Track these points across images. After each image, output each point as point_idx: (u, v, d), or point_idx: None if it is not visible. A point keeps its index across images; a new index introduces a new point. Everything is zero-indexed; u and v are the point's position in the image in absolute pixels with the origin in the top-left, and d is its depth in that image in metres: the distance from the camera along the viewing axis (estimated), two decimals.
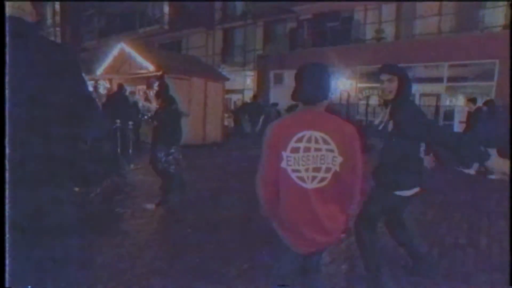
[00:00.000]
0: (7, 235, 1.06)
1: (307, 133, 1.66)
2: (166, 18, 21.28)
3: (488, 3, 12.70)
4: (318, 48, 15.20)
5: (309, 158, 1.66)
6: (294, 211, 1.70)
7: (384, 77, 2.57)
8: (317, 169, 1.67)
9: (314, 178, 1.67)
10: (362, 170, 1.74)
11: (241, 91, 18.83)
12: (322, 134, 1.67)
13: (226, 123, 14.43)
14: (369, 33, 14.91)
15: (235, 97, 19.21)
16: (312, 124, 1.68)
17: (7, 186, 1.06)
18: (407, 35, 14.16)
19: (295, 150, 1.65)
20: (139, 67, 10.02)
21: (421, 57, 12.77)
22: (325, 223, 1.69)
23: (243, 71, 19.08)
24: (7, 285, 1.08)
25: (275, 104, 13.63)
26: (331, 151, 1.67)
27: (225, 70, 17.30)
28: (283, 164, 1.65)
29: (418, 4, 13.73)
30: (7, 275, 1.07)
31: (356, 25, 15.31)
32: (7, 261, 1.07)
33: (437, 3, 13.15)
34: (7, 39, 1.08)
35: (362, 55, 13.57)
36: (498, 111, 8.04)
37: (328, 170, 1.68)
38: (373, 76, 14.51)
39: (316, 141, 1.67)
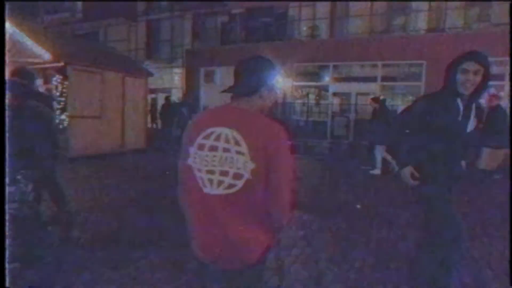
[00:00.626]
0: (7, 235, 1.12)
1: (218, 130, 1.45)
2: (79, 5, 18.53)
3: (412, 7, 13.03)
4: (252, 44, 14.28)
5: (215, 159, 1.43)
6: (195, 217, 1.51)
7: (471, 66, 2.19)
8: (224, 173, 1.42)
9: (220, 182, 1.42)
10: (289, 181, 1.45)
11: (168, 90, 17.05)
12: (236, 134, 1.42)
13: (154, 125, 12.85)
14: (304, 30, 14.44)
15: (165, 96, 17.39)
16: (226, 121, 1.46)
17: (7, 186, 1.12)
18: (341, 34, 13.94)
19: (201, 147, 1.46)
20: (31, 55, 7.86)
21: (355, 55, 12.59)
22: (231, 236, 1.43)
23: (171, 67, 17.36)
24: (7, 285, 1.13)
25: (188, 104, 12.42)
26: (242, 154, 1.40)
27: (150, 67, 15.43)
28: (189, 161, 1.49)
29: (351, 3, 13.59)
30: (7, 275, 1.12)
31: (290, 22, 14.73)
32: (7, 261, 1.12)
33: (369, 3, 13.11)
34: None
35: (298, 52, 12.98)
36: (387, 109, 8.22)
37: (238, 176, 1.41)
38: (309, 75, 14.07)
39: (227, 141, 1.43)
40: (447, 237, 2.26)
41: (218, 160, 1.41)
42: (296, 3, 14.36)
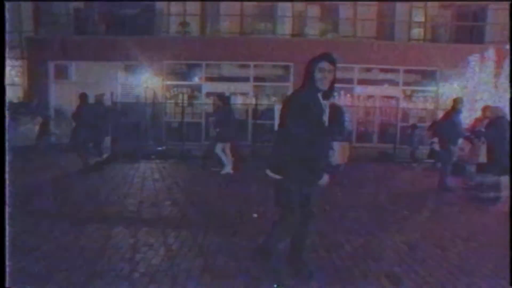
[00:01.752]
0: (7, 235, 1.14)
1: None
2: None
3: (279, 12, 13.70)
4: (115, 36, 12.56)
5: None
6: None
7: (327, 66, 2.53)
8: None
9: None
10: None
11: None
12: None
13: None
14: (174, 26, 13.51)
15: None
16: None
17: (7, 186, 1.16)
18: (212, 32, 13.59)
19: None
20: None
21: (229, 55, 12.43)
22: None
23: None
24: (7, 285, 1.15)
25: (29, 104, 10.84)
26: None
27: None
28: None
29: (221, 2, 13.38)
30: (7, 275, 1.14)
31: (159, 15, 13.57)
32: (7, 261, 1.15)
33: (239, 3, 13.15)
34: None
35: (168, 49, 12.00)
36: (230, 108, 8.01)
37: None
38: (181, 73, 13.24)
39: None
40: (283, 223, 2.61)
41: None
42: None
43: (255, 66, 12.84)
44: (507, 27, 13.23)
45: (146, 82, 12.01)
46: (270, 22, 13.73)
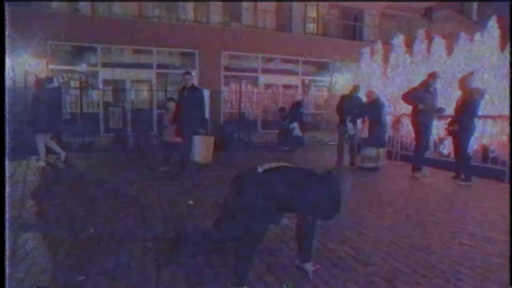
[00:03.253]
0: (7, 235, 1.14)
1: None
2: None
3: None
4: None
5: None
6: None
7: None
8: None
9: None
10: None
11: None
12: None
13: None
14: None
15: None
16: None
17: (7, 186, 1.16)
18: (104, 13, 12.21)
19: None
20: None
21: (128, 39, 11.39)
22: None
23: None
24: (7, 285, 1.16)
25: None
26: None
27: None
28: None
29: None
30: (7, 275, 1.14)
31: None
32: (7, 261, 1.14)
33: None
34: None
35: (53, 27, 10.33)
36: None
37: None
38: (71, 57, 11.58)
39: None
40: None
41: None
42: None
43: (158, 52, 12.09)
44: (379, 28, 15.72)
45: (24, 65, 10.14)
46: (171, 7, 13.06)
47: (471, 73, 5.45)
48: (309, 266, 2.42)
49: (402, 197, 4.71)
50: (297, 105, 10.13)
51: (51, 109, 6.40)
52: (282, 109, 10.98)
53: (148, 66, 12.00)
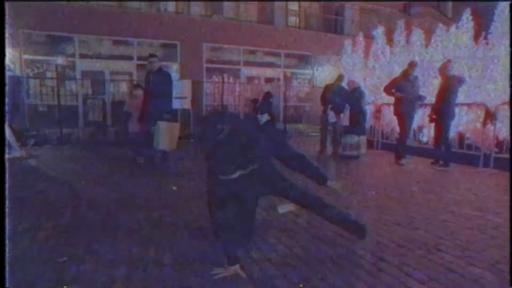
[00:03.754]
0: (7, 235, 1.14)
1: None
2: None
3: None
4: None
5: None
6: None
7: None
8: None
9: None
10: None
11: None
12: None
13: None
14: None
15: None
16: None
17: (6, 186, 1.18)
18: (82, 2, 11.84)
19: None
20: None
21: (107, 30, 11.10)
22: None
23: None
24: (7, 285, 1.13)
25: None
26: None
27: None
28: None
29: None
30: (7, 275, 1.12)
31: None
32: (7, 261, 1.13)
33: None
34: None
35: (25, 15, 9.90)
36: None
37: None
38: (47, 47, 11.17)
39: None
40: None
41: None
42: None
43: (138, 43, 11.85)
44: (359, 22, 16.02)
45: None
46: None
47: (449, 60, 5.63)
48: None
49: (385, 181, 4.85)
50: (267, 96, 10.18)
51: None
52: (255, 101, 11.00)
53: (128, 58, 11.75)
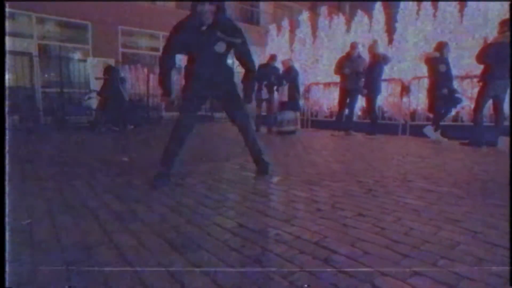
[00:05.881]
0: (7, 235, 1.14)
1: None
2: None
3: None
4: None
5: None
6: None
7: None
8: None
9: None
10: None
11: None
12: None
13: None
14: None
15: None
16: None
17: (6, 186, 1.16)
18: None
19: None
20: None
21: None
22: None
23: None
24: (7, 285, 1.11)
25: None
26: None
27: None
28: None
29: None
30: (7, 275, 1.11)
31: None
32: (7, 261, 1.12)
33: None
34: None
35: None
36: None
37: None
38: None
39: None
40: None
41: None
42: None
43: (39, 20, 10.33)
44: (274, 14, 16.80)
45: None
46: None
47: (375, 41, 6.32)
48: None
49: (328, 148, 5.24)
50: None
51: None
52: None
53: (28, 36, 10.15)
